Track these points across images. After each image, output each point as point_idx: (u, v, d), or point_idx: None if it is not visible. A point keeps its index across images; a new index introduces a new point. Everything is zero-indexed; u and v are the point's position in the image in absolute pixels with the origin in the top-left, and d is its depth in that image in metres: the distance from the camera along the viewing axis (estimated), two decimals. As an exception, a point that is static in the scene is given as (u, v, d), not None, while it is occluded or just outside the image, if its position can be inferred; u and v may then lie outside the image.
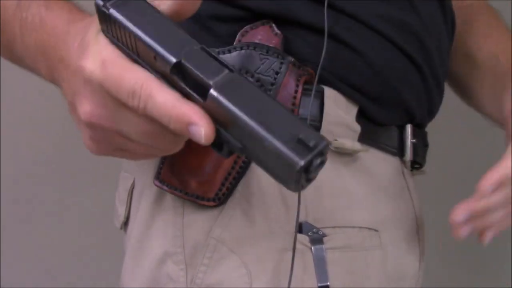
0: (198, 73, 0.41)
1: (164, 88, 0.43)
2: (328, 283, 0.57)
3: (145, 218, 0.62)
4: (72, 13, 0.54)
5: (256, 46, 0.58)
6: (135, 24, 0.43)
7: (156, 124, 0.45)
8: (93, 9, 0.50)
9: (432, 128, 0.76)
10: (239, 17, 0.60)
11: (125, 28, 0.43)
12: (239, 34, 0.59)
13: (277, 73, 0.58)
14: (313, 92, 0.58)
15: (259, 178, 0.58)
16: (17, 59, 0.59)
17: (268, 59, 0.58)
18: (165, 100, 0.43)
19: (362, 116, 0.64)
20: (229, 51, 0.58)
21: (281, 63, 0.58)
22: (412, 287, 0.70)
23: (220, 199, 0.57)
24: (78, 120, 0.49)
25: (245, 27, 0.59)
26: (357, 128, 0.63)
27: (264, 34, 0.59)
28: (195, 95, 0.42)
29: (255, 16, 0.60)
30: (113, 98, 0.45)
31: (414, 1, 0.66)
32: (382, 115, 0.65)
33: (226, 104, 0.40)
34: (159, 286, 0.60)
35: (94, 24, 0.47)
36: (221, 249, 0.58)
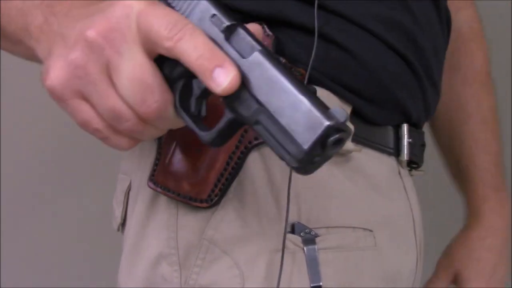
0: (249, 37, 0.46)
1: (206, 36, 0.45)
2: (321, 283, 0.57)
3: (141, 219, 0.63)
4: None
5: None
6: None
7: (156, 79, 0.45)
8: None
9: (429, 128, 0.76)
10: None
11: None
12: None
13: None
14: None
15: (252, 179, 0.58)
16: None
17: None
18: (205, 40, 0.44)
19: (356, 116, 0.63)
20: None
21: None
22: (408, 287, 0.70)
23: (212, 200, 0.57)
24: (74, 41, 0.46)
25: None
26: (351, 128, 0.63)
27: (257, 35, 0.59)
28: (236, 53, 0.45)
29: (248, 18, 0.60)
30: (139, 32, 0.45)
31: (408, 0, 0.66)
32: (376, 115, 0.65)
33: (269, 63, 0.44)
34: (154, 287, 0.60)
35: None
36: (214, 250, 0.58)
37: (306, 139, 0.42)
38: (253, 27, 0.49)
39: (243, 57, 0.45)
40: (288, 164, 0.44)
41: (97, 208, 1.20)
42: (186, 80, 0.47)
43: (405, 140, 0.69)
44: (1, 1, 0.54)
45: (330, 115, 0.42)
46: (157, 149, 0.61)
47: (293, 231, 0.58)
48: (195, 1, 0.47)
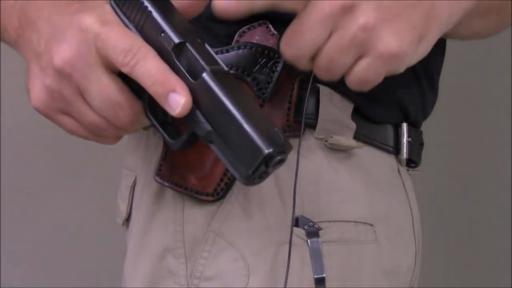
0: (197, 57, 0.46)
1: (159, 57, 0.47)
2: (324, 275, 0.59)
3: (146, 213, 0.64)
4: None
5: (253, 45, 0.59)
6: (152, 2, 0.48)
7: (124, 95, 0.49)
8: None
9: (427, 128, 0.77)
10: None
11: (142, 2, 0.48)
12: (237, 34, 0.61)
13: (273, 71, 0.59)
14: (309, 90, 0.60)
15: None
16: None
17: (264, 58, 0.59)
18: (157, 65, 0.47)
19: (357, 114, 0.65)
20: (227, 51, 0.59)
21: (277, 62, 0.59)
22: (407, 281, 0.71)
23: (218, 194, 0.59)
24: (45, 65, 0.50)
25: (242, 28, 0.61)
26: (353, 125, 0.64)
27: (261, 35, 0.60)
28: (186, 74, 0.47)
29: (253, 17, 0.61)
30: (98, 54, 0.48)
31: None
32: (377, 113, 0.67)
33: (215, 87, 0.46)
34: (159, 280, 0.61)
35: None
36: (220, 242, 0.59)
37: (249, 164, 0.45)
38: None
39: (194, 78, 0.47)
40: (239, 180, 0.47)
41: (98, 207, 1.21)
42: None
43: (405, 139, 0.71)
44: None
45: (269, 141, 0.45)
46: (163, 144, 0.62)
47: (297, 224, 0.60)
48: (146, 13, 0.48)
